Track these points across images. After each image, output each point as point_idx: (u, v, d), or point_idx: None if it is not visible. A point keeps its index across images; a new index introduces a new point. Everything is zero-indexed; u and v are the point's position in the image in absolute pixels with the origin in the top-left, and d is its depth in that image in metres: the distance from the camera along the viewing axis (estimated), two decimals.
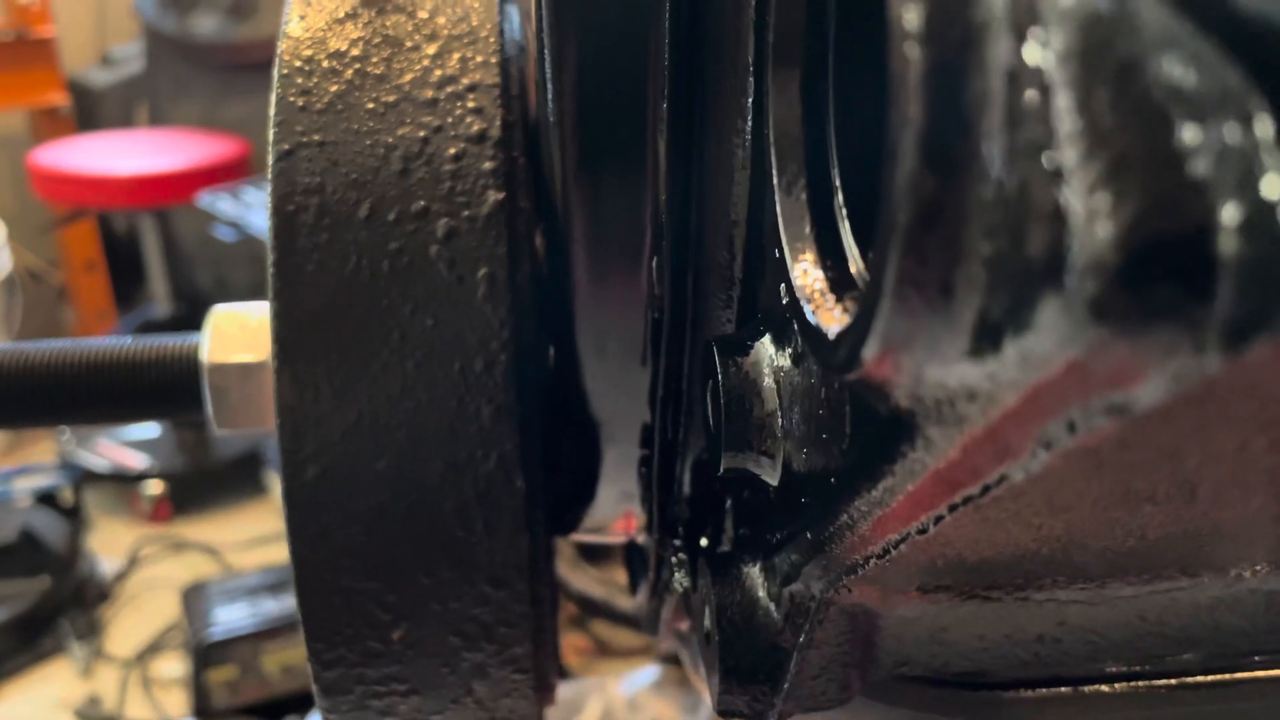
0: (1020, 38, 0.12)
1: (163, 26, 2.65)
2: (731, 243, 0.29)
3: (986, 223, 0.13)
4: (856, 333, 0.15)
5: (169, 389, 0.42)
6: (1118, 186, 0.11)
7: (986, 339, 0.13)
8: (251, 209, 1.94)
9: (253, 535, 2.34)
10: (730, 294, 0.30)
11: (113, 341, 0.43)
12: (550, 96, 0.32)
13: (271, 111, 0.32)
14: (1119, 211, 0.11)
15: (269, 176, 0.32)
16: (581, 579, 1.81)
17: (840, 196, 0.20)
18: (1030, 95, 0.12)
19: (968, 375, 0.14)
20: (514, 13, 0.40)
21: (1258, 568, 0.24)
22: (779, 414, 0.25)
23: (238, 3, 2.55)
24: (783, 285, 0.23)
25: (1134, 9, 0.11)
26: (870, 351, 0.15)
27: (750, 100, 0.26)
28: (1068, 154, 0.12)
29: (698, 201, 0.30)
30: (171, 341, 0.43)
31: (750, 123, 0.27)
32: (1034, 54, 0.12)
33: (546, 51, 0.32)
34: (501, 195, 0.32)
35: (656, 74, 0.29)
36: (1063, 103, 0.12)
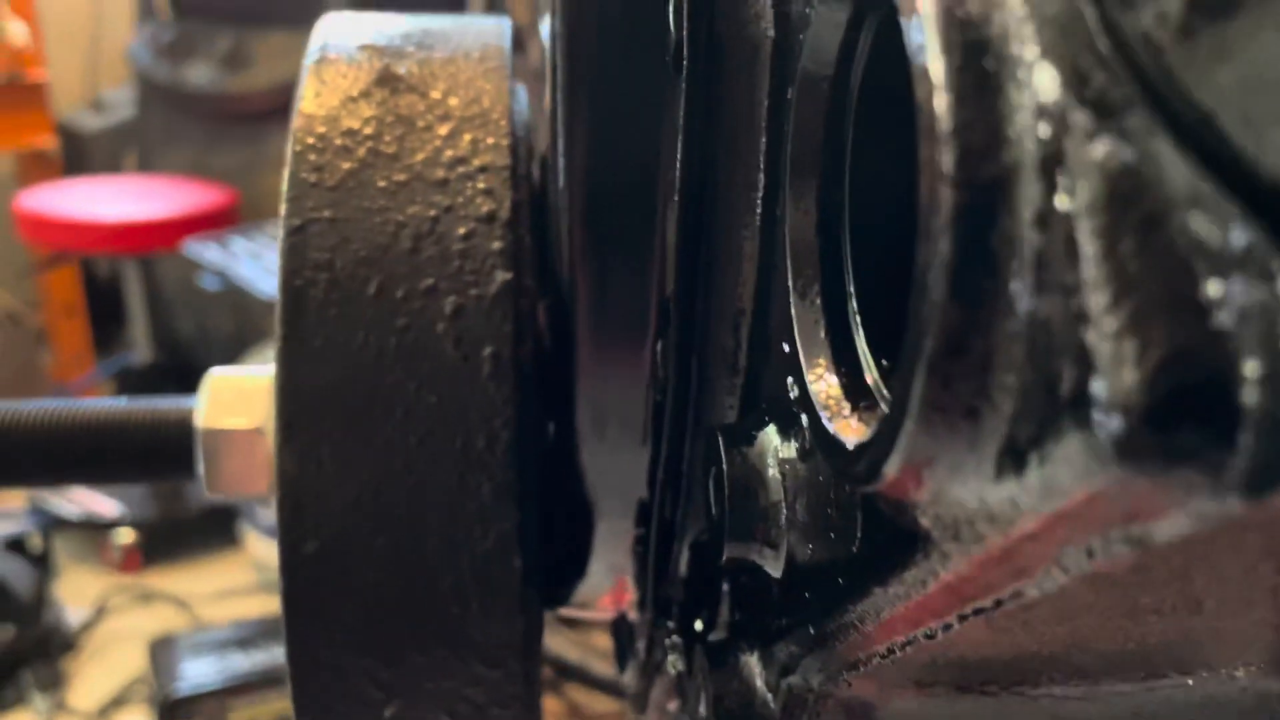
0: (1050, 184, 0.13)
1: (155, 75, 2.67)
2: (737, 331, 0.30)
3: (1013, 355, 0.13)
4: (878, 448, 0.16)
5: (161, 452, 0.42)
6: (1143, 334, 0.12)
7: (1010, 465, 0.14)
8: (238, 258, 1.94)
9: (223, 587, 2.31)
10: (734, 380, 0.30)
11: (107, 403, 0.43)
12: (561, 179, 0.33)
13: (284, 187, 0.33)
14: (1145, 358, 0.12)
15: (279, 252, 0.32)
16: (557, 641, 1.79)
17: (854, 303, 0.20)
18: (1057, 240, 0.13)
19: (989, 497, 0.15)
20: (521, 91, 0.40)
21: (1251, 668, 0.24)
22: (783, 505, 0.25)
23: (232, 54, 2.56)
24: (790, 379, 0.24)
25: (1160, 165, 0.12)
26: (893, 469, 0.15)
27: (760, 195, 0.27)
28: (1094, 298, 0.12)
29: (704, 288, 0.31)
30: (166, 404, 0.43)
31: (759, 216, 0.27)
32: (1063, 201, 0.13)
33: (559, 138, 0.32)
34: (509, 275, 0.32)
35: (668, 164, 0.30)
36: (1089, 249, 0.12)
